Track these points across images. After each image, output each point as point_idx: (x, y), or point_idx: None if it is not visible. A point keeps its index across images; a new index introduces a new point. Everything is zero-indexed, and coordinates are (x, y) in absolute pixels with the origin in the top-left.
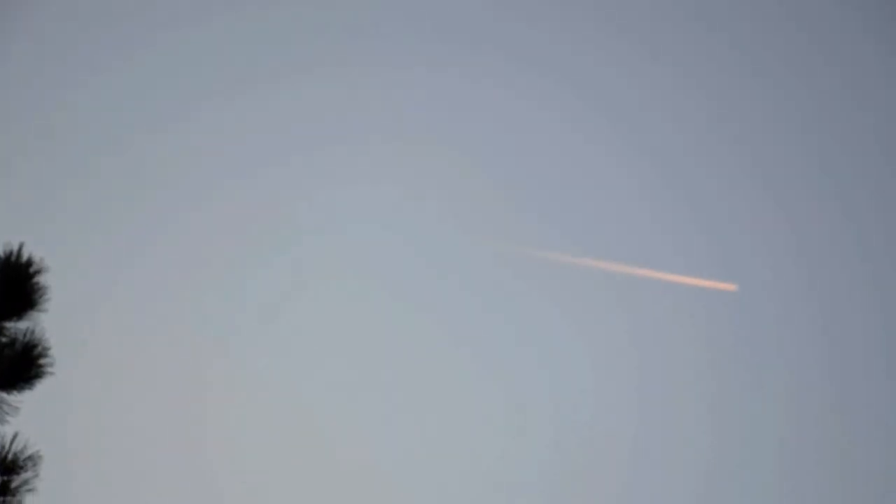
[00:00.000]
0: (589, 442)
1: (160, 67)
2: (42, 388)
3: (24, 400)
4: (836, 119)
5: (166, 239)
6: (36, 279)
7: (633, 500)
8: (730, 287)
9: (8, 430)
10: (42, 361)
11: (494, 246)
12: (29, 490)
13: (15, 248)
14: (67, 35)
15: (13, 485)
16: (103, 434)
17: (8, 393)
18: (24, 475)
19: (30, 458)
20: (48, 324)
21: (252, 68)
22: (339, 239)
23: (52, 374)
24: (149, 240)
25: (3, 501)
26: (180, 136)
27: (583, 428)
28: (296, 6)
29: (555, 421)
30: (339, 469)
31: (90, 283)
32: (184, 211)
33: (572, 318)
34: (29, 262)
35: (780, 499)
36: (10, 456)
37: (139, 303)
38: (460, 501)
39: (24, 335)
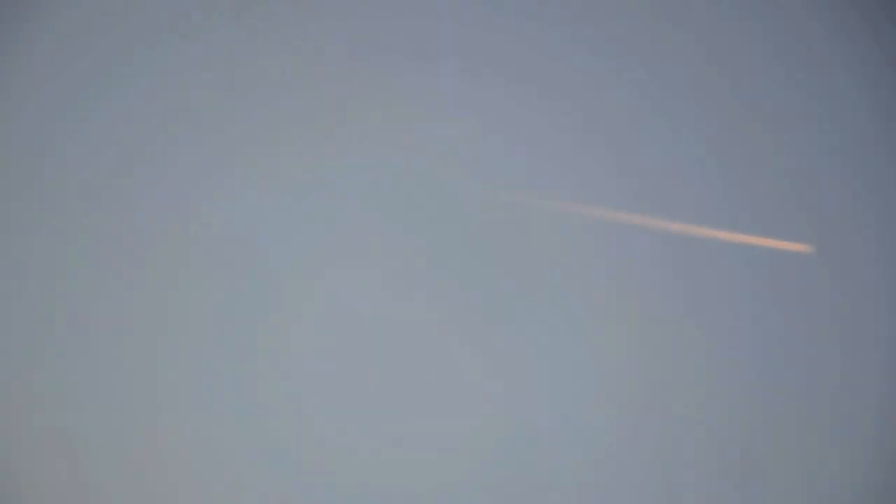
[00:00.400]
0: (635, 416)
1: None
2: None
3: None
4: None
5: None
6: None
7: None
8: (804, 248)
9: None
10: None
11: (529, 200)
12: None
13: None
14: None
15: None
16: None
17: None
18: None
19: None
20: None
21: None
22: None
23: None
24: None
25: None
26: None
27: (632, 403)
28: None
29: (595, 396)
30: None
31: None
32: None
33: (617, 281)
34: None
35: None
36: None
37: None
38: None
39: None
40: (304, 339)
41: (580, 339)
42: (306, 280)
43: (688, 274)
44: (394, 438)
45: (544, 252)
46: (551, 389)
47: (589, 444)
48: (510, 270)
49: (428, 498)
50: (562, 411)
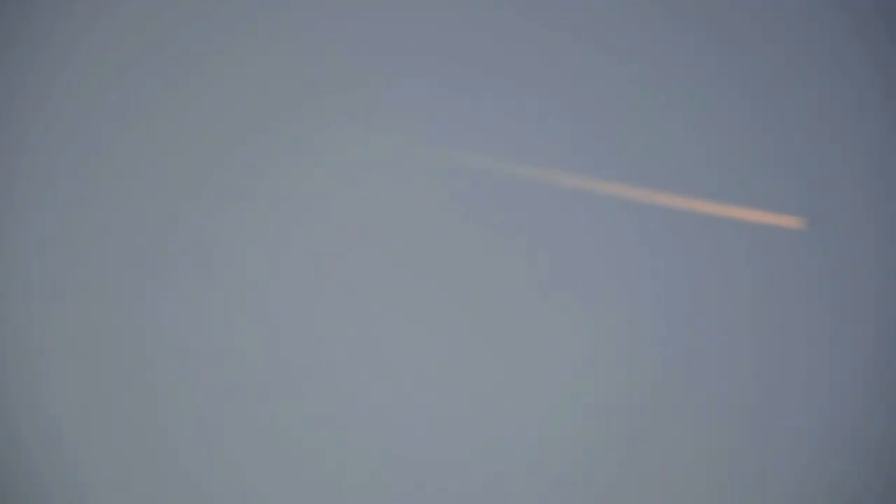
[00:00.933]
0: (614, 409)
1: None
2: None
3: None
4: None
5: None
6: None
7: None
8: (796, 223)
9: None
10: None
11: (503, 169)
12: None
13: None
14: None
15: None
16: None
17: None
18: None
19: None
20: None
21: None
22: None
23: None
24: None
25: None
26: None
27: (609, 391)
28: None
29: (575, 385)
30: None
31: None
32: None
33: (592, 257)
34: None
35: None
36: None
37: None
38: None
39: None
40: (310, 331)
41: (570, 317)
42: (309, 275)
43: (673, 250)
44: (399, 435)
45: (522, 221)
46: (539, 382)
47: (582, 428)
48: (497, 247)
49: (428, 495)
50: (553, 398)
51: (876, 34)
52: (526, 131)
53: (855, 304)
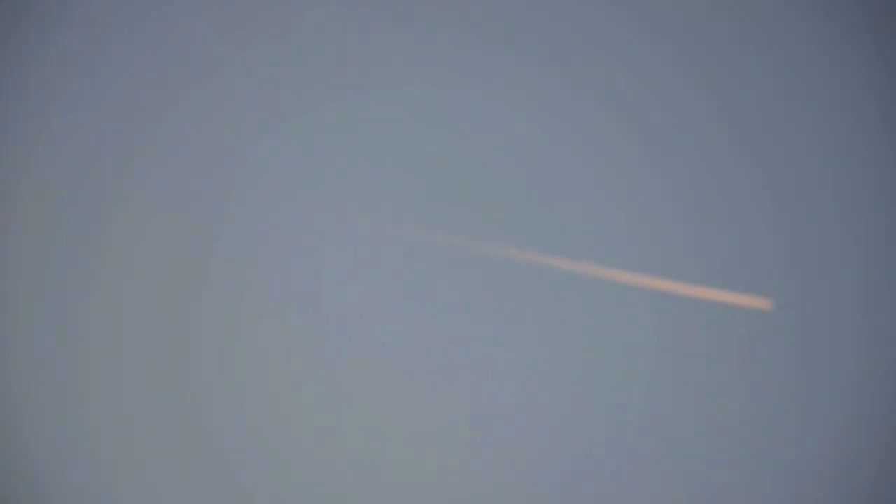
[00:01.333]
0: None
1: None
2: None
3: None
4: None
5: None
6: None
7: None
8: (763, 304)
9: None
10: None
11: (472, 247)
12: None
13: None
14: None
15: None
16: None
17: None
18: None
19: None
20: None
21: None
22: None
23: None
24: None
25: None
26: None
27: (577, 473)
28: None
29: (541, 465)
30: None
31: None
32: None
33: (562, 335)
34: None
35: None
36: None
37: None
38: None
39: None
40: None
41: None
42: (310, 295)
43: (639, 330)
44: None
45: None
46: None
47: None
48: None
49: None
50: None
51: (854, 123)
52: (495, 212)
53: (822, 387)
